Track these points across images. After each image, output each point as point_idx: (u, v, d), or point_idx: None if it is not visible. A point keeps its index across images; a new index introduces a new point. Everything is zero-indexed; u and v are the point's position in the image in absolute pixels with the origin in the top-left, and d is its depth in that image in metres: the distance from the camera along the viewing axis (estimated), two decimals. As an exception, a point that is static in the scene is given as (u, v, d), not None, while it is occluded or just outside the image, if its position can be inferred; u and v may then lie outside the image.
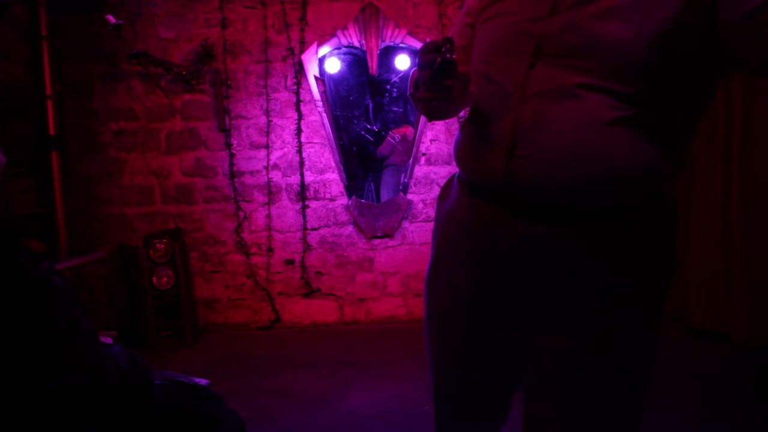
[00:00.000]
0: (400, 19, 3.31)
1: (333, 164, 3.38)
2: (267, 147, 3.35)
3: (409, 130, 4.35)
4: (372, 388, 2.48)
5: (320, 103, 3.31)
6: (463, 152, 1.00)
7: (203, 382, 1.18)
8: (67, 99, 3.23)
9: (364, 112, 4.83)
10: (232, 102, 3.32)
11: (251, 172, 3.37)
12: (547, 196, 0.85)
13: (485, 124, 0.92)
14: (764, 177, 2.79)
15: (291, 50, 3.29)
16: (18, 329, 0.75)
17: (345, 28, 3.29)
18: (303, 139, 3.35)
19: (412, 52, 3.50)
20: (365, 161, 4.87)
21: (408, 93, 1.10)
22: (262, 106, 3.33)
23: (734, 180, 2.87)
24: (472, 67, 1.00)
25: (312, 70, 3.28)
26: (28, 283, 0.76)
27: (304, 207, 3.39)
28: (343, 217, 3.42)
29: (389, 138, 4.55)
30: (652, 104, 0.79)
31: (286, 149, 3.37)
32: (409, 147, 3.70)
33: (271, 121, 3.34)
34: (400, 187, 3.55)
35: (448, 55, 0.83)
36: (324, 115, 3.33)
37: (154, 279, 3.10)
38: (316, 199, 3.40)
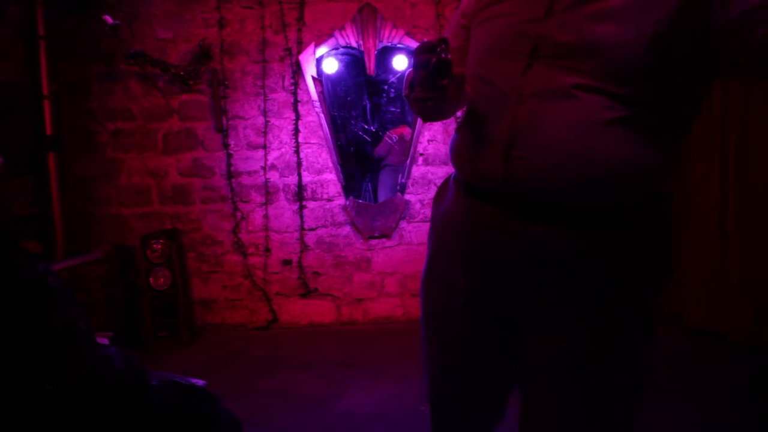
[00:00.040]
0: (398, 19, 3.31)
1: (330, 165, 3.38)
2: (264, 147, 3.35)
3: (406, 131, 4.35)
4: (369, 389, 2.48)
5: (318, 104, 3.31)
6: (460, 153, 1.00)
7: (200, 382, 1.18)
8: (64, 99, 3.22)
9: (361, 113, 4.83)
10: (230, 102, 3.32)
11: (248, 173, 3.36)
12: (544, 196, 0.85)
13: (481, 125, 0.92)
14: (762, 177, 2.80)
15: (288, 50, 3.29)
16: (13, 330, 0.74)
17: (342, 28, 3.29)
18: (300, 140, 3.35)
19: (410, 53, 3.49)
20: (363, 161, 4.87)
21: (404, 94, 1.10)
22: (259, 106, 3.33)
23: (731, 180, 2.88)
24: (467, 69, 1.00)
25: (309, 71, 3.28)
26: (23, 284, 0.76)
27: (302, 207, 3.38)
28: (341, 217, 3.42)
29: (387, 138, 4.56)
30: (647, 105, 0.80)
31: (283, 150, 3.36)
32: (406, 147, 3.69)
33: (268, 121, 3.34)
34: (398, 188, 3.54)
35: (443, 55, 0.83)
36: (321, 115, 3.33)
37: (151, 279, 3.10)
38: (314, 199, 3.40)
